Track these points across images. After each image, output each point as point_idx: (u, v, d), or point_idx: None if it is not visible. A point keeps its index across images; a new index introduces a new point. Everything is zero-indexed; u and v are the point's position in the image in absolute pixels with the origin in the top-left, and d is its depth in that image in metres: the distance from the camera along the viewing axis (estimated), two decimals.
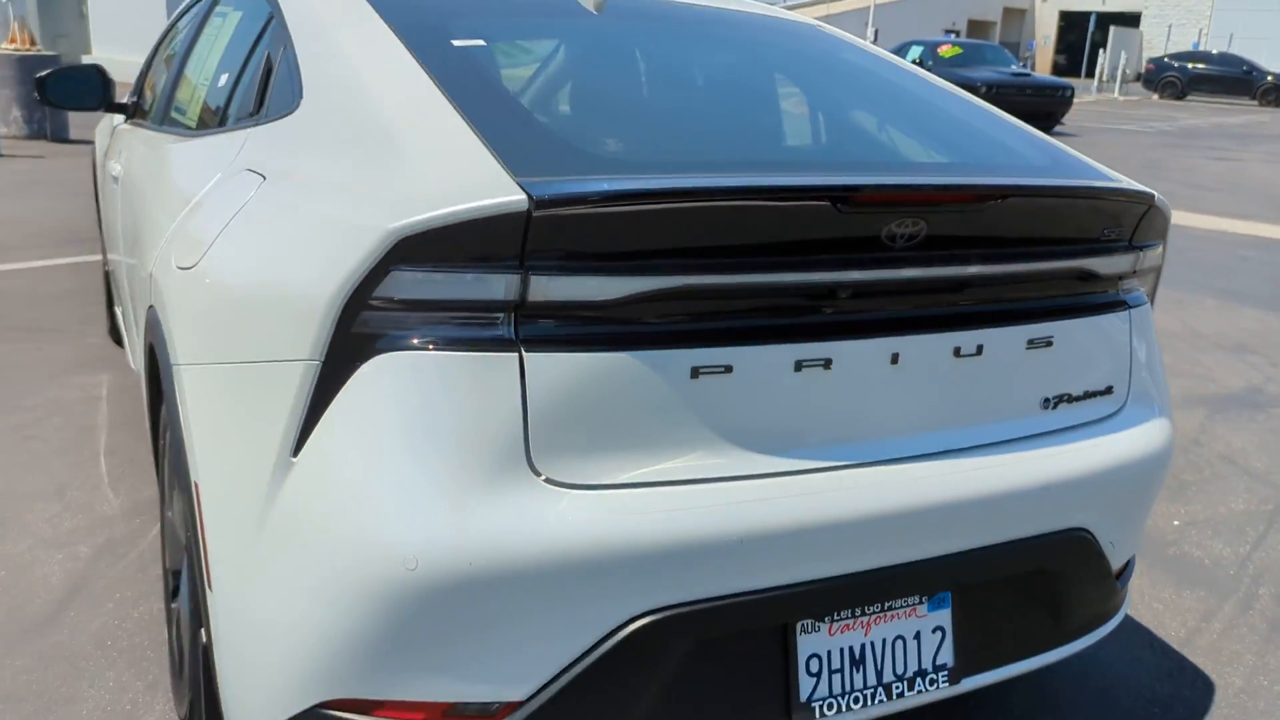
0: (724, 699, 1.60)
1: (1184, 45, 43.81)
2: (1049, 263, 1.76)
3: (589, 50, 2.17)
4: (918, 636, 1.74)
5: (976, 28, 50.24)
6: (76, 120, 11.23)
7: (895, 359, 1.63)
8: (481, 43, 1.90)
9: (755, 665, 1.61)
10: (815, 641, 1.65)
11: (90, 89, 3.46)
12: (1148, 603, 2.84)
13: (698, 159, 1.72)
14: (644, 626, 1.49)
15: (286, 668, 1.52)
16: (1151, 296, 2.04)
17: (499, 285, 1.39)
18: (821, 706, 1.66)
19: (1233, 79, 34.41)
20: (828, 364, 1.57)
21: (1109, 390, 1.90)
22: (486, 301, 1.40)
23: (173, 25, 3.54)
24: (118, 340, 4.41)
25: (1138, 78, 40.81)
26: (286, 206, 1.64)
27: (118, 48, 20.78)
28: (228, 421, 1.58)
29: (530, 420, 1.42)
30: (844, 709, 1.67)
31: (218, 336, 1.62)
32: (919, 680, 1.74)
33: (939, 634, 1.76)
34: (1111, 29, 43.51)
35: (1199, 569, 3.05)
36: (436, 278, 1.39)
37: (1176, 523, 3.34)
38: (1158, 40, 46.42)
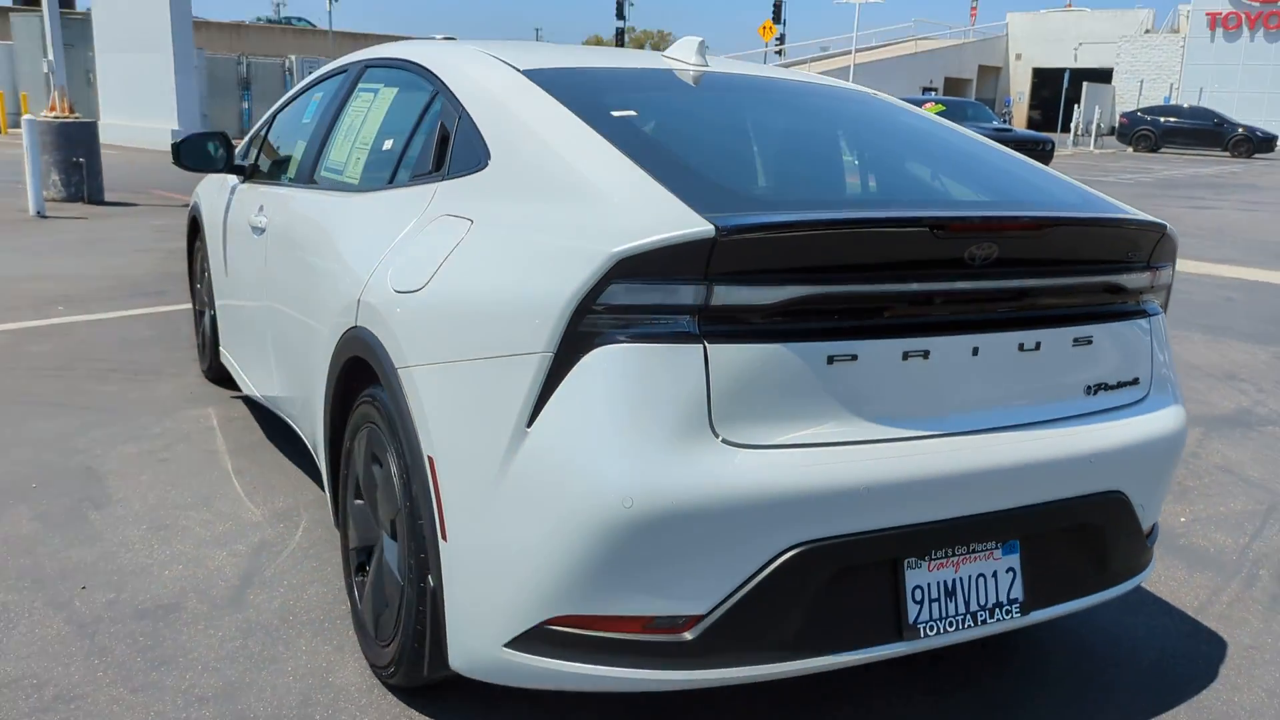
0: (852, 618, 2.03)
1: (1155, 99, 45.13)
2: (1087, 278, 2.24)
3: (713, 115, 2.66)
4: (995, 575, 2.19)
5: (953, 85, 51.60)
6: (110, 184, 11.74)
7: (975, 351, 2.09)
8: (633, 112, 2.39)
9: (874, 593, 2.05)
10: (918, 575, 2.09)
11: (212, 153, 3.97)
12: (1164, 582, 3.28)
13: (818, 197, 2.20)
14: (794, 556, 1.93)
15: (517, 594, 1.96)
16: (1164, 308, 2.52)
17: (689, 293, 1.86)
18: (924, 628, 2.09)
19: (1205, 131, 35.59)
20: (926, 354, 2.04)
21: (1136, 381, 2.37)
22: (679, 306, 1.86)
23: (289, 102, 4.03)
24: (214, 379, 4.85)
25: (1111, 131, 41.99)
26: (506, 240, 2.11)
27: (123, 114, 21.45)
28: (463, 404, 2.03)
29: (712, 395, 1.87)
30: (941, 631, 2.11)
31: (452, 339, 2.08)
32: (998, 610, 2.18)
33: (1011, 574, 2.21)
34: (1085, 85, 44.83)
35: (1206, 555, 3.50)
36: (643, 288, 1.85)
37: (1184, 519, 3.80)
38: (1129, 95, 47.77)
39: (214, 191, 4.49)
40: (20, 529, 3.27)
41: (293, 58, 25.95)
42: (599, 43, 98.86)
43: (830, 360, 1.95)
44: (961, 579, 2.15)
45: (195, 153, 3.97)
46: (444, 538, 2.08)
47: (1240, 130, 34.98)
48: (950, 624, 2.12)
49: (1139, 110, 37.82)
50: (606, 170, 2.08)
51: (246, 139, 4.30)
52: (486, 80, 2.58)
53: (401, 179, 2.71)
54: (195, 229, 4.93)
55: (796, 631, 1.98)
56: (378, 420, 2.39)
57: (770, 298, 1.89)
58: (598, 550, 1.87)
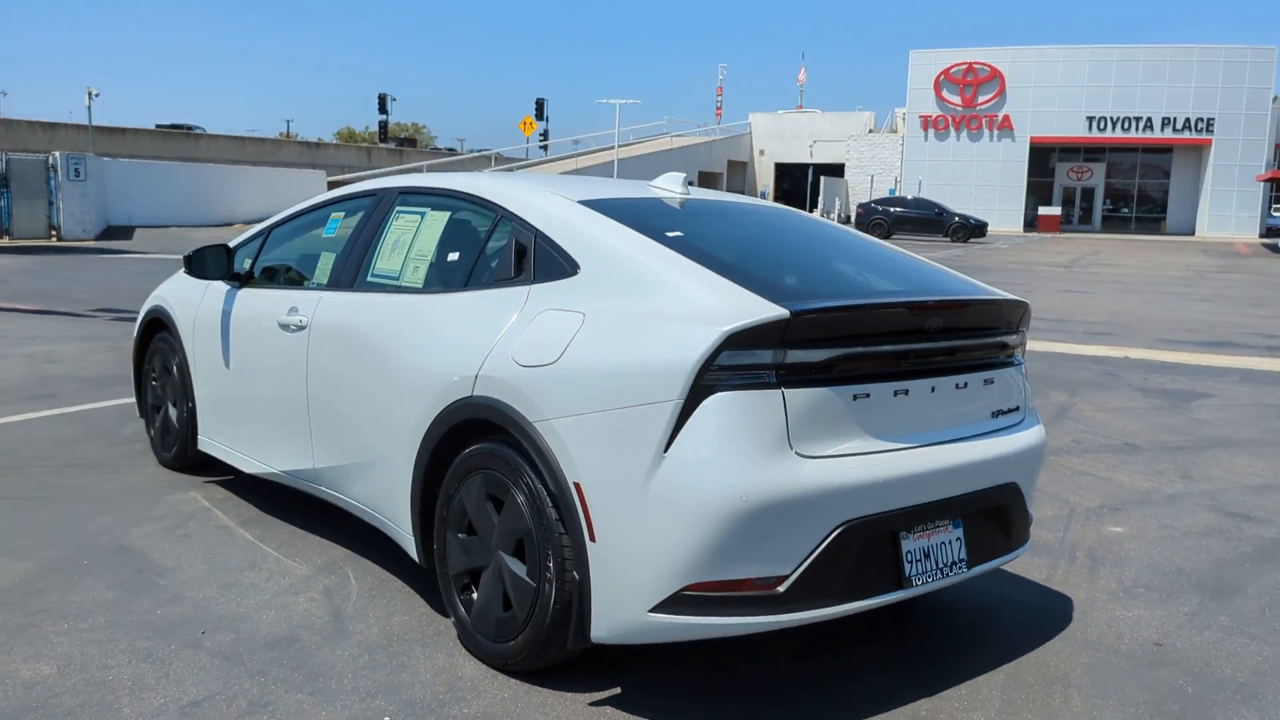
0: (872, 573, 2.98)
1: (883, 192, 50.18)
2: (989, 339, 3.35)
3: (720, 228, 3.64)
4: (950, 543, 3.20)
5: (706, 178, 55.21)
6: None
7: (933, 389, 3.13)
8: (680, 233, 3.32)
9: (885, 556, 3.01)
10: (909, 543, 3.07)
11: (219, 262, 4.59)
12: (1016, 566, 4.43)
13: (830, 288, 3.21)
14: (842, 530, 2.86)
15: (659, 571, 2.78)
16: (1023, 359, 3.67)
17: (769, 356, 2.79)
18: (915, 579, 3.07)
19: (928, 219, 40.15)
20: (907, 392, 3.05)
21: (1017, 408, 3.49)
22: (765, 364, 2.79)
23: (285, 220, 4.65)
24: (179, 468, 5.25)
25: (848, 220, 46.41)
26: (619, 325, 2.96)
27: None
28: (606, 440, 2.85)
29: (789, 423, 2.80)
30: (925, 582, 3.09)
31: (590, 396, 2.89)
32: (954, 567, 3.19)
33: (959, 542, 3.22)
34: (822, 179, 49.32)
35: (1039, 547, 4.69)
36: (741, 353, 2.77)
37: None
38: (861, 187, 52.86)
39: (191, 294, 4.98)
40: (105, 596, 3.70)
41: (56, 154, 25.04)
42: (351, 135, 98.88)
43: (855, 398, 2.92)
44: (932, 545, 3.14)
45: (204, 262, 4.56)
46: (592, 539, 2.87)
47: (957, 218, 39.75)
48: (930, 577, 3.11)
49: (872, 201, 42.17)
50: (684, 273, 3.00)
51: (234, 249, 4.82)
52: (552, 208, 3.43)
53: (478, 283, 3.49)
54: (153, 329, 5.37)
55: (843, 583, 2.91)
56: (495, 466, 3.15)
57: (819, 357, 2.86)
58: (721, 532, 2.73)
